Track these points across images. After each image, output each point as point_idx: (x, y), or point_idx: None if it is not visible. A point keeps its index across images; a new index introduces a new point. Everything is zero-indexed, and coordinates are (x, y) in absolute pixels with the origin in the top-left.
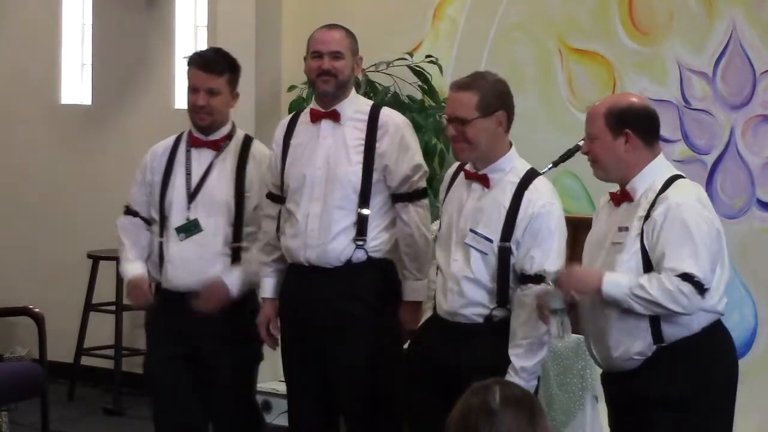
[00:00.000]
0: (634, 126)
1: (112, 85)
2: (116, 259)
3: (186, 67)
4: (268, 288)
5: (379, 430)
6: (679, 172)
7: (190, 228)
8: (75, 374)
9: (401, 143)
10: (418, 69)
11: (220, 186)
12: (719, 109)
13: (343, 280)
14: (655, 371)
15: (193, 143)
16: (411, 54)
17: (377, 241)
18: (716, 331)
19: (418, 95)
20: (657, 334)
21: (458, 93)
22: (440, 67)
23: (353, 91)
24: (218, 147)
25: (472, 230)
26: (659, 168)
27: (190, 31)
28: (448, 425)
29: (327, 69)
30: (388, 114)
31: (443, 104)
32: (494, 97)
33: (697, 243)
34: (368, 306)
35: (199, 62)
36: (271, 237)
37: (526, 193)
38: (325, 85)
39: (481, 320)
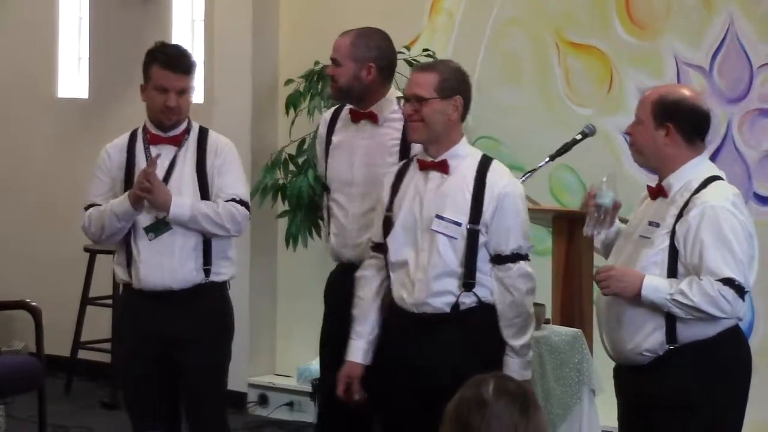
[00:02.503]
0: (678, 122)
1: (109, 79)
2: (112, 253)
3: None
4: None
5: None
6: (717, 173)
7: (160, 227)
8: (72, 368)
9: None
10: (415, 63)
11: (185, 181)
12: (716, 103)
13: None
14: (666, 374)
15: (152, 141)
16: (408, 48)
17: None
18: (732, 336)
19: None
20: (671, 334)
21: (419, 73)
22: None
23: (391, 90)
24: (178, 142)
25: (438, 216)
26: (698, 167)
27: (187, 25)
28: (444, 417)
29: (329, 74)
30: None
31: (405, 93)
32: (455, 82)
33: (734, 247)
34: None
35: (168, 63)
36: None
37: (489, 174)
38: (331, 90)
39: (447, 309)
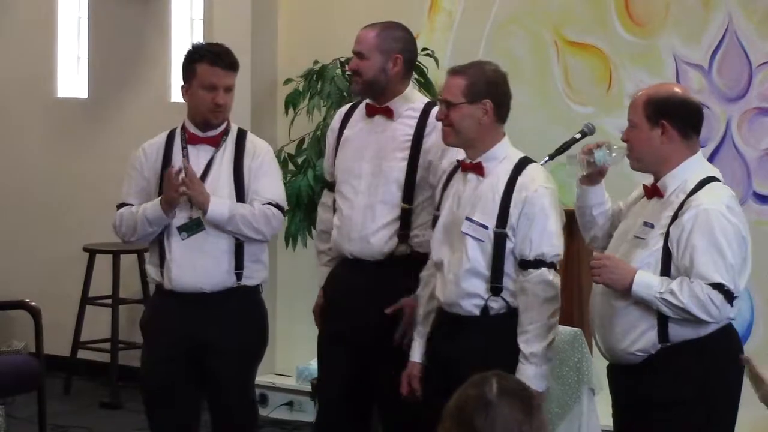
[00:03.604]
0: (672, 117)
1: (108, 78)
2: (112, 253)
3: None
4: (323, 277)
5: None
6: (713, 174)
7: (193, 226)
8: (72, 368)
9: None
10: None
11: (221, 182)
12: (715, 102)
13: (385, 273)
14: (659, 373)
15: (191, 140)
16: None
17: (421, 236)
18: (725, 335)
19: (415, 88)
20: (663, 333)
21: (450, 77)
22: (436, 60)
23: (409, 87)
24: (217, 143)
25: (468, 218)
26: (694, 167)
27: (186, 25)
28: (445, 415)
29: (353, 69)
30: None
31: (439, 96)
32: (484, 85)
33: (725, 252)
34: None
35: (218, 60)
36: (326, 225)
37: (519, 178)
38: (354, 85)
39: (477, 312)
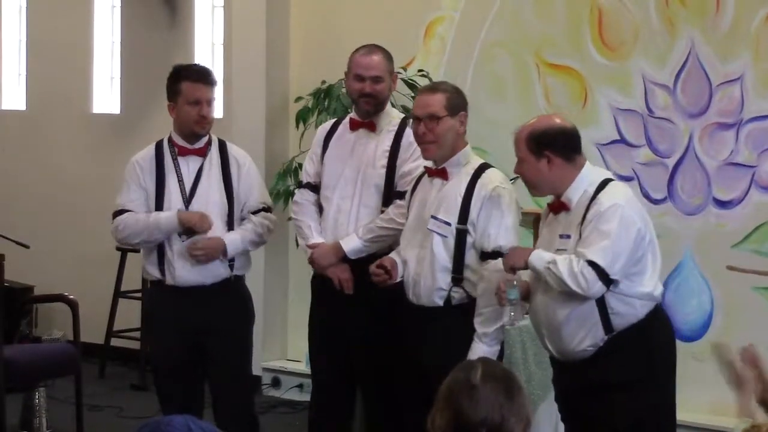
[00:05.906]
0: (553, 147)
1: (138, 95)
2: (141, 252)
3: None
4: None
5: (388, 400)
6: (608, 175)
7: (190, 231)
8: (105, 354)
9: (415, 151)
10: (411, 82)
11: (212, 188)
12: (679, 118)
13: (366, 272)
14: (610, 358)
15: (180, 153)
16: (405, 68)
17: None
18: (658, 316)
19: (411, 105)
20: (607, 326)
21: (428, 95)
22: (431, 80)
23: (388, 104)
24: (203, 154)
25: (433, 216)
26: (588, 176)
27: (207, 48)
28: (437, 398)
29: (369, 92)
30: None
31: (414, 113)
32: (458, 99)
33: (613, 239)
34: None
35: (199, 77)
36: (306, 217)
37: (479, 180)
38: (366, 106)
39: (441, 303)
